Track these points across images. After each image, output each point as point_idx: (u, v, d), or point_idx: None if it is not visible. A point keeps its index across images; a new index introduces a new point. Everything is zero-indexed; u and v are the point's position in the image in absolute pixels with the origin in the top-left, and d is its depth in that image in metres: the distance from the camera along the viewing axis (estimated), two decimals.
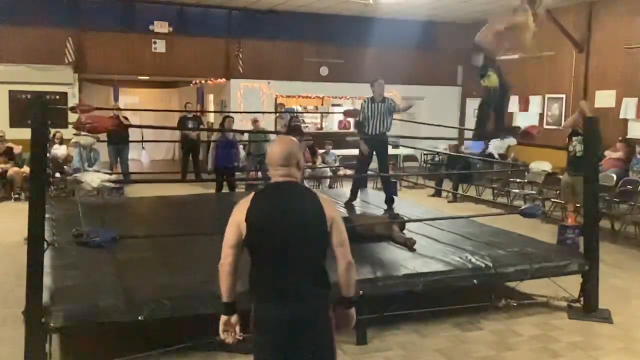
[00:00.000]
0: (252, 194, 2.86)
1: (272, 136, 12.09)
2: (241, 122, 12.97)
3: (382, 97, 8.13)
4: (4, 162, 11.25)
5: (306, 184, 11.93)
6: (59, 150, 11.63)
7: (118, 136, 11.55)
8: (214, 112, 16.17)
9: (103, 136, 10.19)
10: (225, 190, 10.80)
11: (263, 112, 13.72)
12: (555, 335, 5.10)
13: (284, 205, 2.79)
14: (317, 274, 2.85)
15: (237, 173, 11.37)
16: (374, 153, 8.08)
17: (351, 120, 14.25)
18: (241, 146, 13.07)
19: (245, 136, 12.83)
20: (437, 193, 12.30)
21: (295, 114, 13.39)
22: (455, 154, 13.17)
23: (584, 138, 5.81)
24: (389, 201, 7.90)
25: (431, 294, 5.14)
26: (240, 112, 13.19)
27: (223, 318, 2.99)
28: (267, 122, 14.12)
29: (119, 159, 12.53)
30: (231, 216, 2.83)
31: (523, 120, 13.61)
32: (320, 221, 2.77)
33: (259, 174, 12.23)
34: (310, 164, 12.58)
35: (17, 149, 11.45)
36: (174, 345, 4.38)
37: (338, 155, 13.09)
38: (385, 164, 8.31)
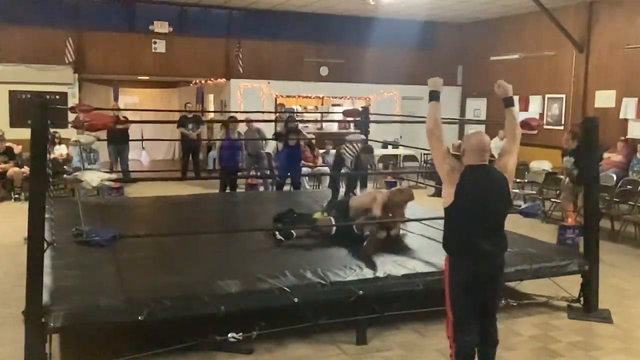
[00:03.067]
0: (462, 172, 3.64)
1: (268, 136, 12.13)
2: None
3: None
4: (4, 162, 11.25)
5: (306, 183, 12.03)
6: (59, 150, 11.63)
7: (118, 136, 11.56)
8: (214, 111, 16.18)
9: (103, 135, 10.20)
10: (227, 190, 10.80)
11: (263, 112, 13.73)
12: (555, 335, 5.10)
13: (489, 182, 3.66)
14: (504, 236, 3.77)
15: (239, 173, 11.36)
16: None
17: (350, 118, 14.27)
18: None
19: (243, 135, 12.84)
20: (437, 193, 12.29)
21: (292, 114, 13.38)
22: (457, 153, 13.14)
23: (584, 138, 5.81)
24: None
25: (431, 294, 5.14)
26: (240, 112, 13.19)
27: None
28: (268, 124, 14.14)
29: (119, 159, 12.54)
30: (445, 162, 3.75)
31: (523, 119, 13.60)
32: (507, 192, 3.72)
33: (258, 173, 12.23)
34: (310, 163, 12.58)
35: (17, 149, 11.45)
36: (174, 345, 4.38)
37: None
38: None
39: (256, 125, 11.90)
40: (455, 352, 3.71)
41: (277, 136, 10.77)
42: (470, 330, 3.70)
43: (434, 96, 3.94)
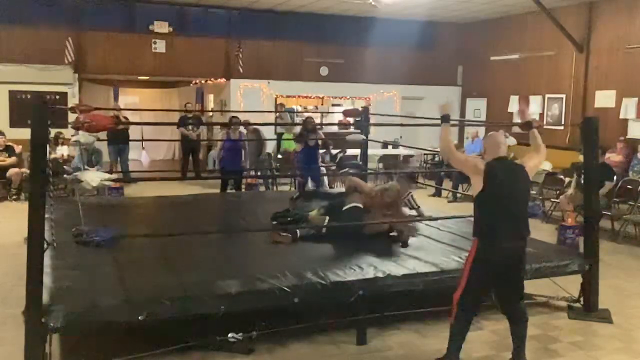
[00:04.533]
0: (485, 164, 4.16)
1: (267, 136, 12.12)
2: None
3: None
4: (5, 158, 11.21)
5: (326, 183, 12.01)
6: (60, 151, 11.62)
7: (118, 136, 11.55)
8: (214, 111, 16.18)
9: (103, 135, 10.20)
10: (229, 190, 10.76)
11: (263, 112, 13.73)
12: (555, 335, 5.10)
13: (513, 171, 4.22)
14: (527, 220, 4.27)
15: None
16: None
17: (351, 119, 14.28)
18: None
19: (244, 135, 12.81)
20: (437, 193, 12.30)
21: (310, 117, 13.44)
22: None
23: (584, 138, 5.82)
24: None
25: (431, 294, 5.14)
26: (240, 112, 13.19)
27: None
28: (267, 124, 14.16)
29: (119, 159, 12.54)
30: (474, 161, 4.34)
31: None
32: (529, 180, 4.31)
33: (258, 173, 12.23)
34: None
35: (17, 149, 11.43)
36: (174, 345, 4.38)
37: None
38: None
39: (253, 126, 11.88)
40: (456, 315, 4.21)
41: (296, 137, 10.73)
42: (476, 304, 4.26)
43: (445, 119, 4.39)
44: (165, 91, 18.55)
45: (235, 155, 10.34)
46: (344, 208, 6.35)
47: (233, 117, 11.12)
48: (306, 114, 16.17)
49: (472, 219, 4.25)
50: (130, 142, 12.74)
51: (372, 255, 5.44)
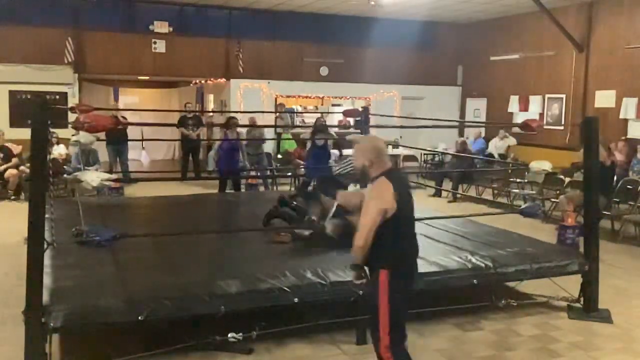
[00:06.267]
0: (385, 178, 3.45)
1: (268, 136, 12.09)
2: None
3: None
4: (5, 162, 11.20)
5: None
6: (57, 150, 11.61)
7: (116, 136, 11.54)
8: (214, 112, 16.19)
9: (102, 135, 10.19)
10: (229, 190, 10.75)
11: (263, 112, 13.74)
12: (555, 335, 5.10)
13: (408, 183, 3.85)
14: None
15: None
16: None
17: (351, 120, 14.27)
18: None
19: (243, 136, 12.83)
20: (437, 193, 12.30)
21: (321, 117, 13.42)
22: (459, 154, 13.05)
23: (584, 138, 5.82)
24: None
25: (431, 294, 5.14)
26: (241, 112, 13.21)
27: (355, 274, 3.69)
28: (268, 122, 14.17)
29: (118, 158, 12.53)
30: (375, 205, 3.40)
31: (523, 119, 13.60)
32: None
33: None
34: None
35: (17, 149, 11.42)
36: (174, 345, 4.38)
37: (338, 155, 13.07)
38: None
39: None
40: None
41: (308, 137, 10.70)
42: (403, 334, 3.65)
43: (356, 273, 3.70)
44: (165, 91, 18.57)
45: (232, 156, 10.30)
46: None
47: (231, 117, 11.11)
48: (305, 114, 16.27)
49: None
50: (129, 142, 12.73)
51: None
